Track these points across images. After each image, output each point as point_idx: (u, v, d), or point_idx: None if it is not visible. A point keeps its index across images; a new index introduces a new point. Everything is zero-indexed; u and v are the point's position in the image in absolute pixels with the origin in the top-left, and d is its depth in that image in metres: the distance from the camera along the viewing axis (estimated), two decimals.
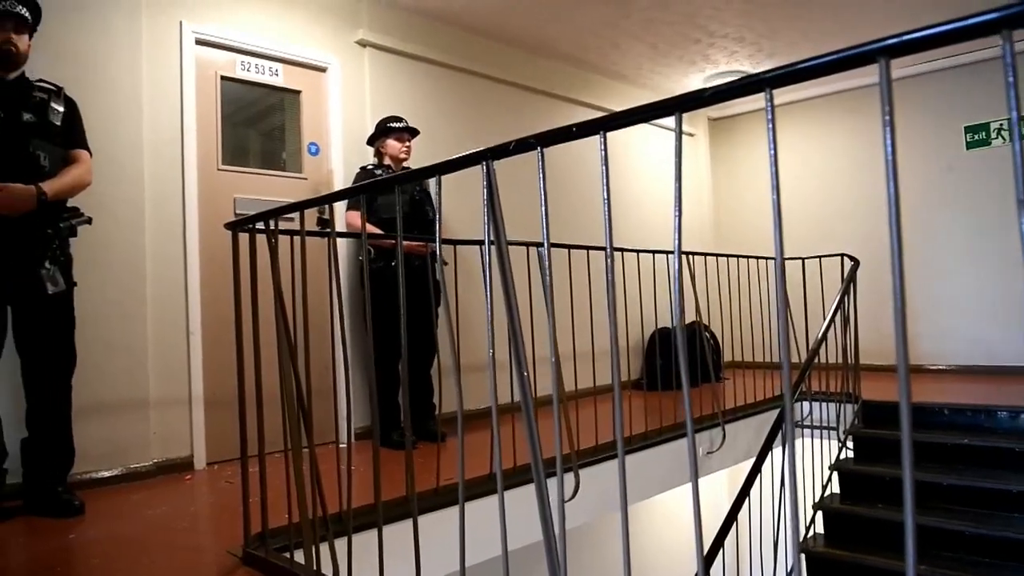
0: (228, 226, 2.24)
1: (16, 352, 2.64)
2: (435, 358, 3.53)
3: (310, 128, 4.07)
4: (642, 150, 6.28)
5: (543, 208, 1.18)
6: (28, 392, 2.65)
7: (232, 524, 2.36)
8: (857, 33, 5.07)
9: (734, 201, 7.15)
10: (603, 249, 1.11)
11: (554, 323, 1.26)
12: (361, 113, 4.24)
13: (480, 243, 1.31)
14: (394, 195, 3.60)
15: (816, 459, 3.84)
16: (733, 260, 4.71)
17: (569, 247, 3.28)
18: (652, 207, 6.24)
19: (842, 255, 4.49)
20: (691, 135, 6.97)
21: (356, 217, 3.66)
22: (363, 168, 3.95)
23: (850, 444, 4.09)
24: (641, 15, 4.76)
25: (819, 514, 3.85)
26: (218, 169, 3.69)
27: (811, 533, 3.80)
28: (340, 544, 1.96)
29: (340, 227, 3.66)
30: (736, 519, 2.97)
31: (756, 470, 3.09)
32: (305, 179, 4.02)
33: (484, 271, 1.25)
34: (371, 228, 3.59)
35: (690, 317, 4.43)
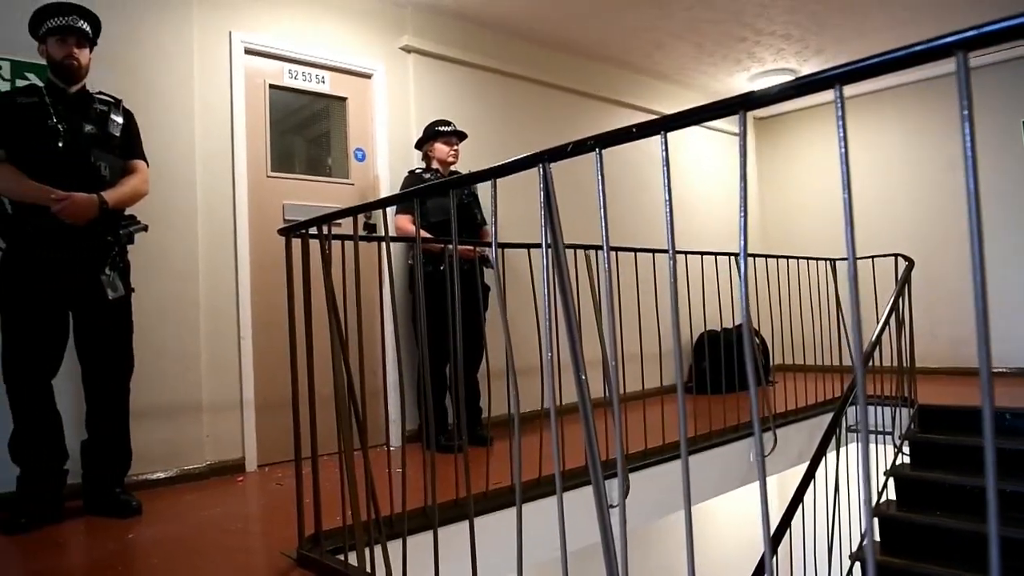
0: (282, 232, 2.27)
1: (76, 356, 2.72)
2: (483, 361, 3.53)
3: (356, 134, 4.11)
4: (687, 150, 6.20)
5: (602, 211, 1.17)
6: (88, 395, 2.73)
7: (284, 526, 2.40)
8: (907, 29, 4.94)
9: (780, 201, 7.03)
10: (664, 252, 1.09)
11: (612, 327, 1.25)
12: (406, 118, 4.27)
13: (537, 246, 1.30)
14: (442, 199, 3.67)
15: (871, 464, 3.73)
16: (782, 261, 4.61)
17: (635, 250, 3.29)
18: (698, 207, 6.16)
19: (896, 255, 4.36)
20: (734, 134, 6.87)
21: (407, 221, 3.66)
22: (411, 172, 3.94)
23: (906, 449, 3.98)
24: (686, 14, 4.70)
25: (875, 521, 3.75)
26: (267, 176, 3.75)
27: (866, 540, 3.70)
28: (392, 547, 1.97)
29: (390, 231, 3.67)
30: (790, 525, 2.91)
31: (810, 475, 3.02)
32: (352, 184, 4.07)
33: (543, 274, 1.24)
34: (423, 233, 3.59)
35: (738, 320, 4.36)
